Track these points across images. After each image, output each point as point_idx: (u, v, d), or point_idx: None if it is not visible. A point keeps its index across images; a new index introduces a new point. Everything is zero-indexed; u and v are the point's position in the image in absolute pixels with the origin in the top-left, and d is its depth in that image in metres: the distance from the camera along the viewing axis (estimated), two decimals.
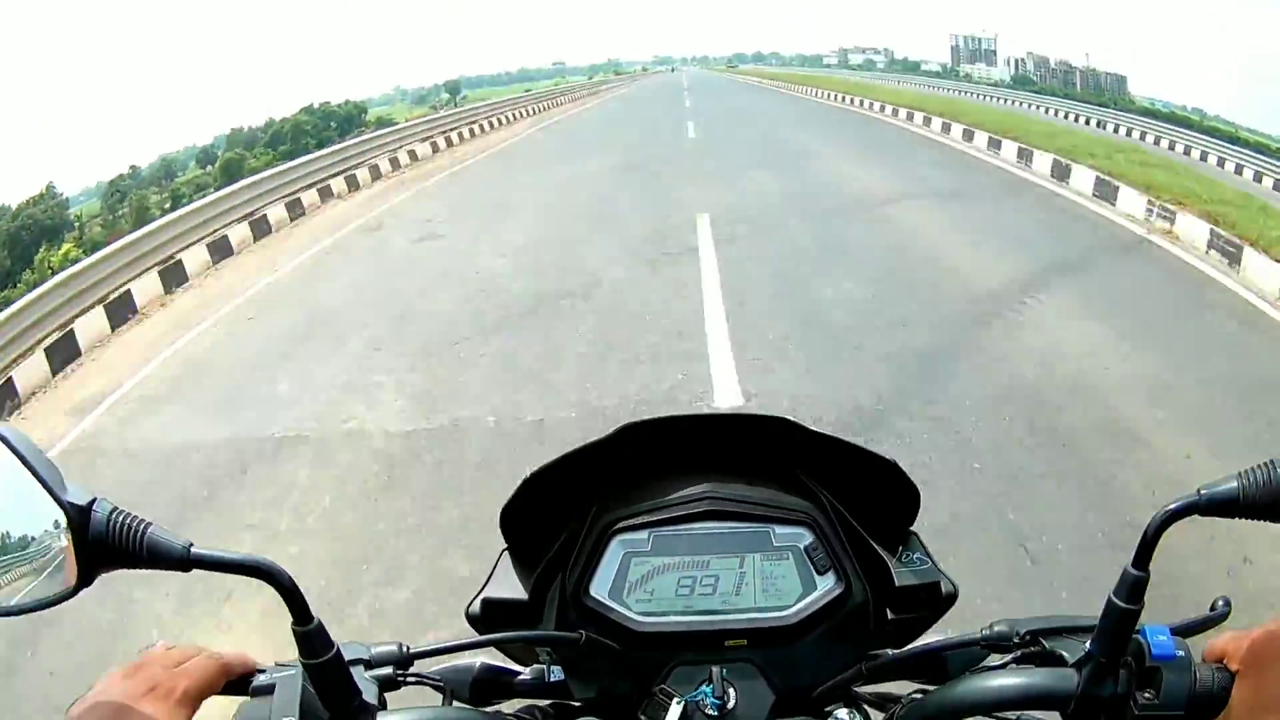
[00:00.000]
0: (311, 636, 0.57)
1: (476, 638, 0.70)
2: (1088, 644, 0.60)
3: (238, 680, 0.61)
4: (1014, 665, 0.66)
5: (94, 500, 0.53)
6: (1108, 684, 0.59)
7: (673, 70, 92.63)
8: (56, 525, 0.53)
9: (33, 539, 0.54)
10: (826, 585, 0.70)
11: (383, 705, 0.64)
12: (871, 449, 0.72)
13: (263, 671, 0.62)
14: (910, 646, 0.74)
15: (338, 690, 0.58)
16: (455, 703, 0.72)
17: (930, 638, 0.74)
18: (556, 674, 0.75)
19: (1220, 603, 0.63)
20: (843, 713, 0.72)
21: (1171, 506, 0.55)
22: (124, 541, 0.53)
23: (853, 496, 0.73)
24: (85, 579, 0.53)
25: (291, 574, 0.56)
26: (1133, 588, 0.57)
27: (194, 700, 0.57)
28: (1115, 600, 0.57)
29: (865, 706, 0.73)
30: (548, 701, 0.77)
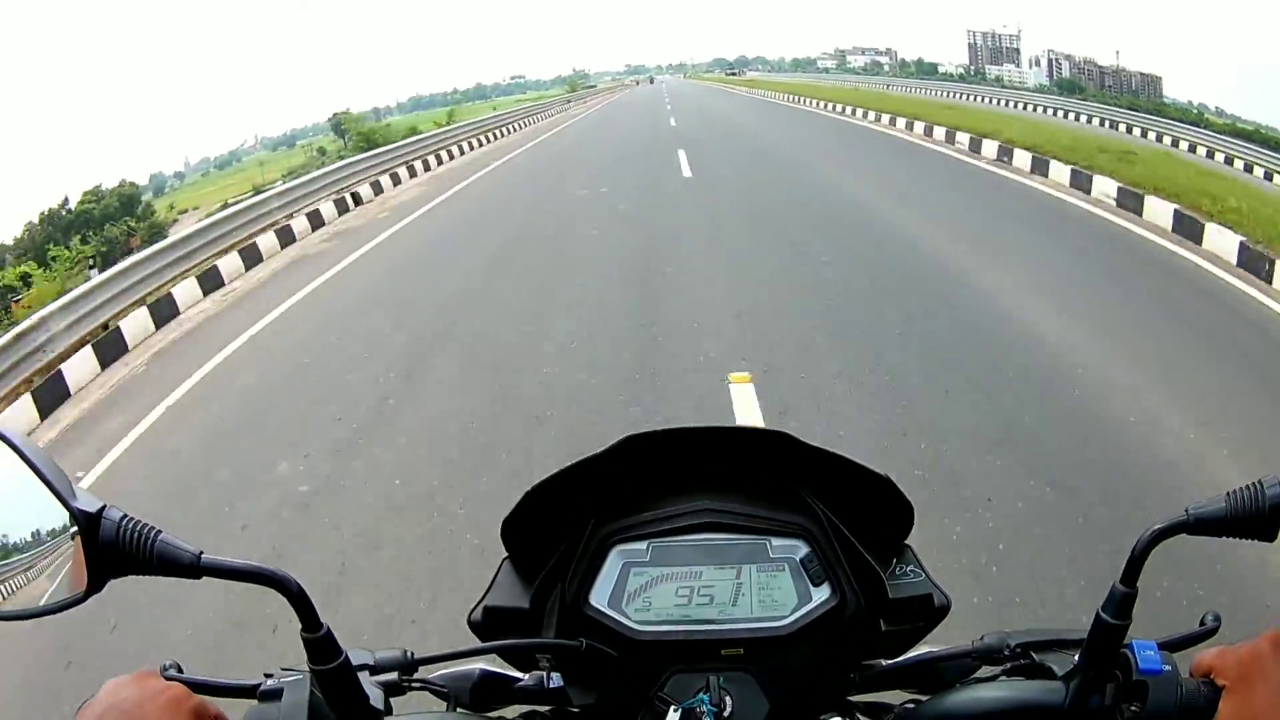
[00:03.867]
0: (321, 643, 0.58)
1: (479, 645, 0.71)
2: (1076, 657, 0.63)
3: (245, 687, 0.62)
4: (1004, 678, 0.69)
5: (103, 507, 0.54)
6: (1095, 697, 0.61)
7: (651, 81, 78.31)
8: (64, 530, 0.54)
9: (42, 543, 0.55)
10: (822, 596, 0.71)
11: (388, 710, 0.65)
12: (867, 465, 0.73)
13: (270, 676, 0.63)
14: (903, 657, 0.76)
15: (346, 696, 0.60)
16: (459, 709, 0.73)
17: (923, 649, 0.76)
18: (556, 681, 0.76)
19: (1210, 618, 0.65)
20: None
21: (1159, 526, 0.57)
22: (134, 548, 0.54)
23: (848, 510, 0.74)
24: (96, 585, 0.54)
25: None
26: (1120, 604, 0.59)
27: (210, 716, 0.57)
28: (1104, 616, 0.59)
29: (859, 716, 0.74)
30: (547, 708, 0.78)
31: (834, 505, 0.74)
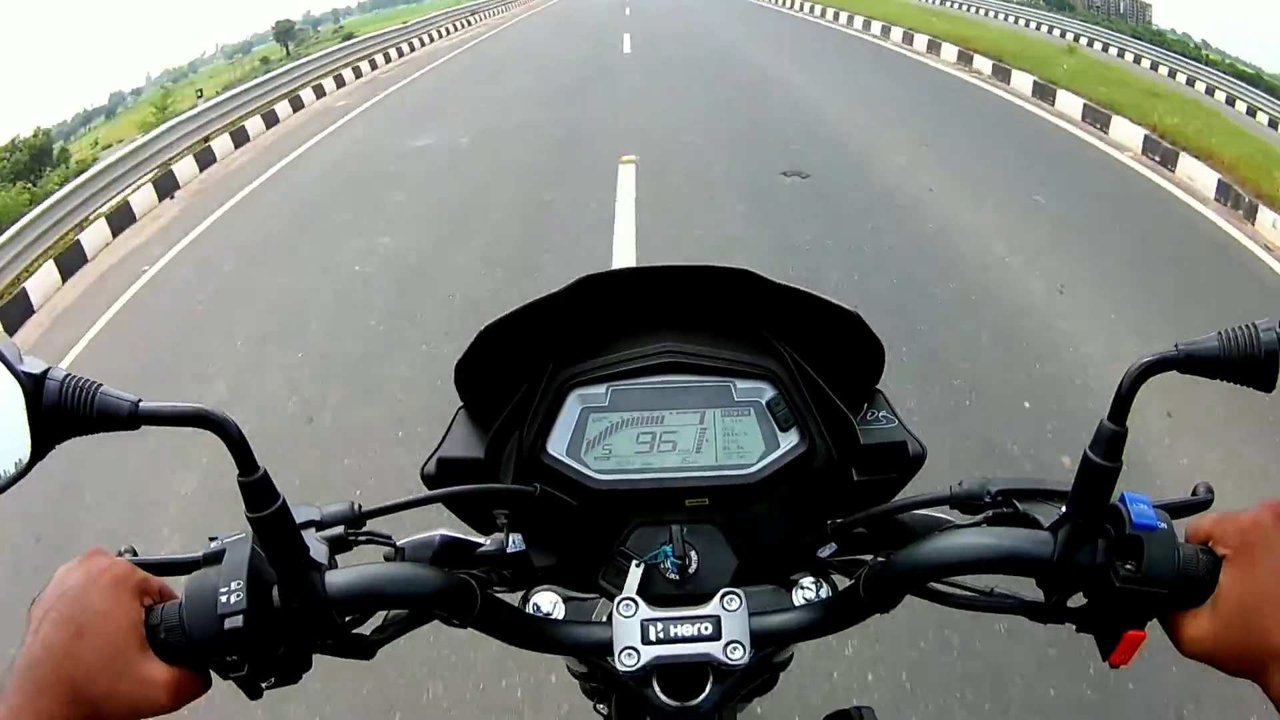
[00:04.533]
0: (256, 487, 0.54)
1: (427, 493, 0.68)
2: (1064, 508, 0.57)
3: (192, 560, 0.60)
4: (985, 526, 0.63)
5: (48, 369, 0.51)
6: (1086, 550, 0.55)
7: None
8: (11, 402, 0.51)
9: None
10: (790, 443, 0.68)
11: (334, 565, 0.62)
12: (833, 301, 0.68)
13: (214, 539, 0.60)
14: (876, 509, 0.70)
15: (284, 545, 0.56)
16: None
17: (898, 502, 0.71)
18: (517, 544, 0.73)
19: (1202, 489, 0.59)
20: (808, 580, 0.71)
21: (1147, 359, 0.51)
22: (76, 405, 0.51)
23: (816, 352, 0.70)
24: (40, 451, 0.52)
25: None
26: (1110, 443, 0.53)
27: (155, 590, 0.57)
28: (1091, 456, 0.53)
29: (831, 572, 0.72)
30: (508, 571, 0.75)
31: (800, 346, 0.70)
